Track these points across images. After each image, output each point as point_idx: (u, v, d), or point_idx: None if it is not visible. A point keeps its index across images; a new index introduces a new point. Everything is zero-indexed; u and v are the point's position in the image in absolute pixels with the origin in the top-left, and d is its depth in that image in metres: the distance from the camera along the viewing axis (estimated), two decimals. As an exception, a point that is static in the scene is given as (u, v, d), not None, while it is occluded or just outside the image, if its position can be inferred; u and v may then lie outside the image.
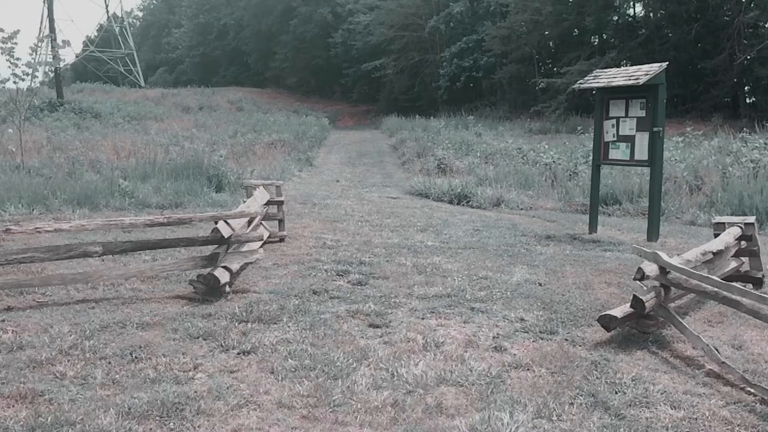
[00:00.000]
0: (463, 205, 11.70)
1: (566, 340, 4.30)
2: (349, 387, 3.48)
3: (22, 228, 5.06)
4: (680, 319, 4.22)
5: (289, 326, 4.48)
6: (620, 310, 4.24)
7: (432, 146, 19.32)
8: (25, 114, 14.30)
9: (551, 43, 34.96)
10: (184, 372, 3.68)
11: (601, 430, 3.07)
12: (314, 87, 51.99)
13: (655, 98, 7.38)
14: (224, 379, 3.60)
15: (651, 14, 29.94)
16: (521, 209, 11.13)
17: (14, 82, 13.02)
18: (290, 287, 5.52)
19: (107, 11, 62.07)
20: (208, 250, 5.80)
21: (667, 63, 7.68)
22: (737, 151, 13.29)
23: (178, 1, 67.00)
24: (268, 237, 7.09)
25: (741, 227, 5.29)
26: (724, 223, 5.43)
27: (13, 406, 3.22)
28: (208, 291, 5.14)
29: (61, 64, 28.14)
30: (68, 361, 3.79)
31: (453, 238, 7.98)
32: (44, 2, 34.14)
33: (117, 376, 3.61)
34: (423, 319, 4.73)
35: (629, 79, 7.45)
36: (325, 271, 6.11)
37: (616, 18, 31.49)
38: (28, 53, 17.61)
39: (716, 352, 3.83)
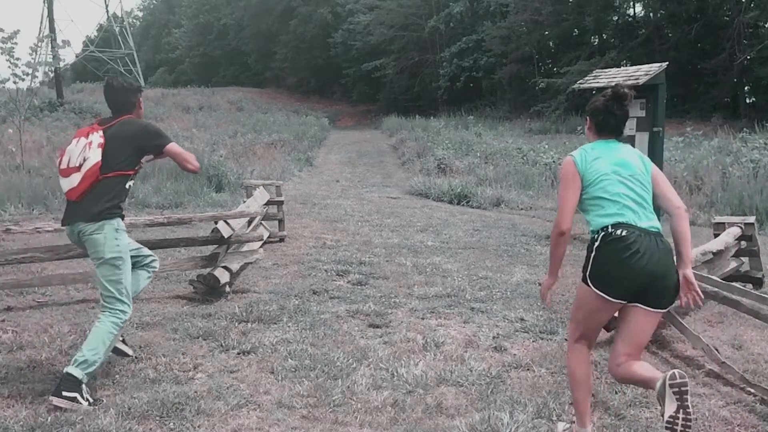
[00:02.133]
0: (463, 205, 11.70)
1: (566, 340, 4.28)
2: (349, 387, 3.48)
3: (22, 228, 5.05)
4: (680, 319, 4.21)
5: (289, 326, 4.48)
6: (620, 310, 4.23)
7: (432, 146, 19.31)
8: (25, 114, 14.30)
9: (551, 43, 34.97)
10: (184, 372, 3.67)
11: (601, 430, 3.07)
12: (314, 87, 51.93)
13: (655, 98, 7.37)
14: (224, 379, 3.59)
15: (651, 14, 29.95)
16: (521, 209, 11.13)
17: (14, 82, 13.04)
18: (290, 287, 5.52)
19: (107, 11, 62.03)
20: (208, 250, 5.80)
21: (667, 63, 7.67)
22: (737, 151, 13.29)
23: (178, 1, 66.96)
24: (268, 237, 7.09)
25: (741, 227, 5.29)
26: (724, 223, 5.43)
27: (13, 406, 3.22)
28: (208, 291, 5.15)
29: (61, 64, 28.06)
30: (68, 361, 3.78)
31: (453, 238, 7.98)
32: (44, 2, 34.12)
33: (117, 376, 3.61)
34: (423, 319, 4.73)
35: (629, 79, 7.44)
36: (325, 271, 6.11)
37: (616, 18, 31.52)
38: (28, 53, 17.63)
39: (716, 352, 3.83)
